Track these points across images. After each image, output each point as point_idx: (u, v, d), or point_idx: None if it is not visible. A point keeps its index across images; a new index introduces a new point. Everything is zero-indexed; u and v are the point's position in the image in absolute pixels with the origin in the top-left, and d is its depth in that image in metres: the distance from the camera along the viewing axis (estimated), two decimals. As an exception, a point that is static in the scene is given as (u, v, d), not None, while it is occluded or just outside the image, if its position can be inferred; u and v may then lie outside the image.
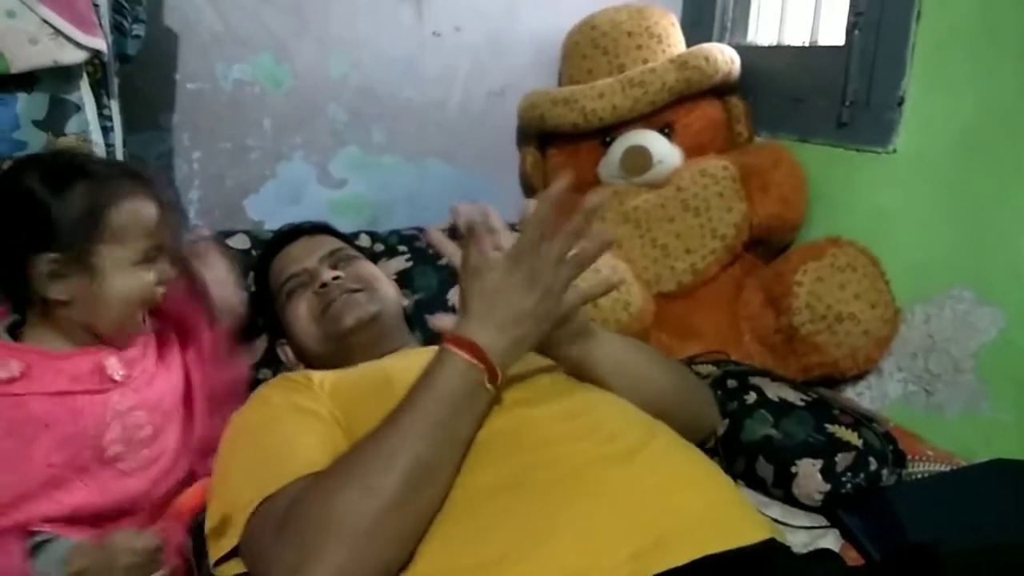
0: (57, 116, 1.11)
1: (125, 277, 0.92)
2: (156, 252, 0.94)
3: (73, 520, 0.88)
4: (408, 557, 0.75)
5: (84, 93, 1.14)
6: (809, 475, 1.10)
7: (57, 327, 0.93)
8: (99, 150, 1.13)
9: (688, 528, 0.74)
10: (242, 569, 0.83)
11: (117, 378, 0.94)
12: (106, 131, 1.17)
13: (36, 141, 1.10)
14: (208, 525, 0.89)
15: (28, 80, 1.09)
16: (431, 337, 1.43)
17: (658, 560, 0.70)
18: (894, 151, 1.45)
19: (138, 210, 0.92)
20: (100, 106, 1.17)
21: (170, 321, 1.06)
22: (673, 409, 0.95)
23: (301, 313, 1.17)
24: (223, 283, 1.12)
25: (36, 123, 1.10)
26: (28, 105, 1.09)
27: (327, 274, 1.17)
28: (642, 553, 0.71)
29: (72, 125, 1.12)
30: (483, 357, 0.81)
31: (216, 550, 0.84)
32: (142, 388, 0.97)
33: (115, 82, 1.21)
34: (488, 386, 0.81)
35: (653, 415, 0.93)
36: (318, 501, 0.74)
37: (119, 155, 1.20)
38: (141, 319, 0.97)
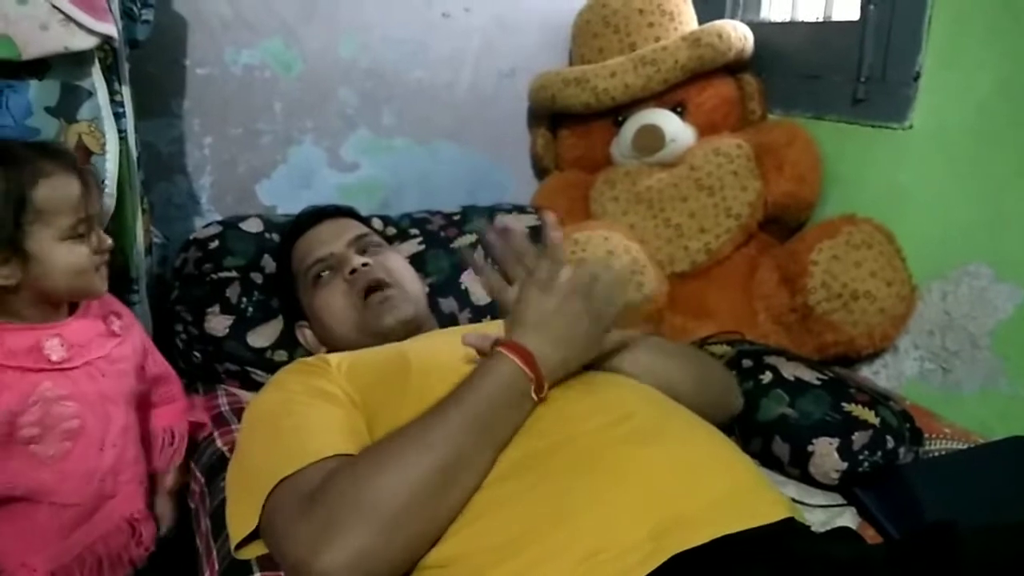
0: (69, 102, 1.11)
1: (61, 253, 0.95)
2: (85, 225, 0.97)
3: None
4: (431, 544, 0.76)
5: (96, 79, 1.14)
6: (826, 454, 1.09)
7: (9, 310, 0.96)
8: (111, 136, 1.13)
9: (708, 508, 0.75)
10: (263, 551, 0.84)
11: (54, 358, 0.96)
12: (118, 117, 1.16)
13: (49, 128, 1.09)
14: (228, 508, 0.90)
15: (40, 67, 1.08)
16: (444, 321, 1.44)
17: (678, 539, 0.70)
18: (910, 127, 1.43)
19: (59, 188, 0.94)
20: (112, 92, 1.16)
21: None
22: (695, 399, 0.96)
23: (336, 301, 1.17)
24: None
25: (48, 109, 1.10)
26: (40, 92, 1.09)
27: (356, 260, 1.18)
28: (662, 532, 0.71)
29: (84, 111, 1.12)
30: (534, 366, 0.83)
31: (236, 532, 0.85)
32: (81, 380, 0.98)
33: (126, 68, 1.21)
34: (533, 395, 0.83)
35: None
36: (351, 482, 0.75)
37: (132, 141, 1.20)
38: (94, 283, 1.00)
